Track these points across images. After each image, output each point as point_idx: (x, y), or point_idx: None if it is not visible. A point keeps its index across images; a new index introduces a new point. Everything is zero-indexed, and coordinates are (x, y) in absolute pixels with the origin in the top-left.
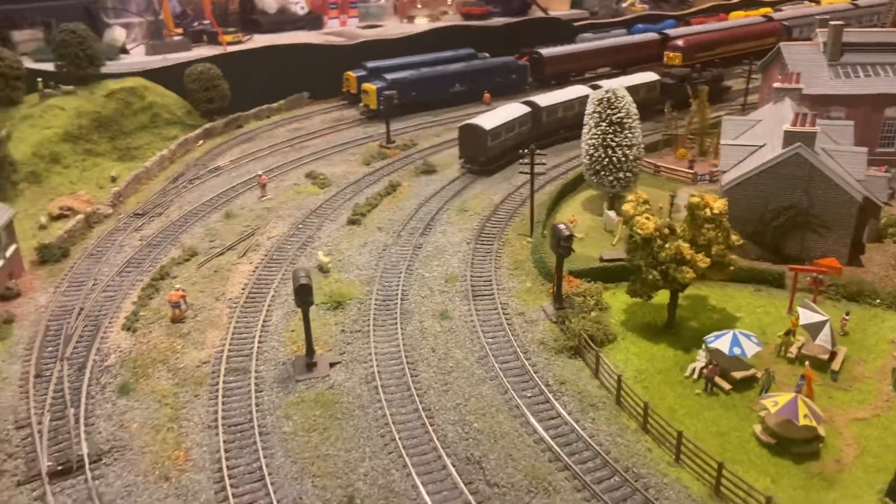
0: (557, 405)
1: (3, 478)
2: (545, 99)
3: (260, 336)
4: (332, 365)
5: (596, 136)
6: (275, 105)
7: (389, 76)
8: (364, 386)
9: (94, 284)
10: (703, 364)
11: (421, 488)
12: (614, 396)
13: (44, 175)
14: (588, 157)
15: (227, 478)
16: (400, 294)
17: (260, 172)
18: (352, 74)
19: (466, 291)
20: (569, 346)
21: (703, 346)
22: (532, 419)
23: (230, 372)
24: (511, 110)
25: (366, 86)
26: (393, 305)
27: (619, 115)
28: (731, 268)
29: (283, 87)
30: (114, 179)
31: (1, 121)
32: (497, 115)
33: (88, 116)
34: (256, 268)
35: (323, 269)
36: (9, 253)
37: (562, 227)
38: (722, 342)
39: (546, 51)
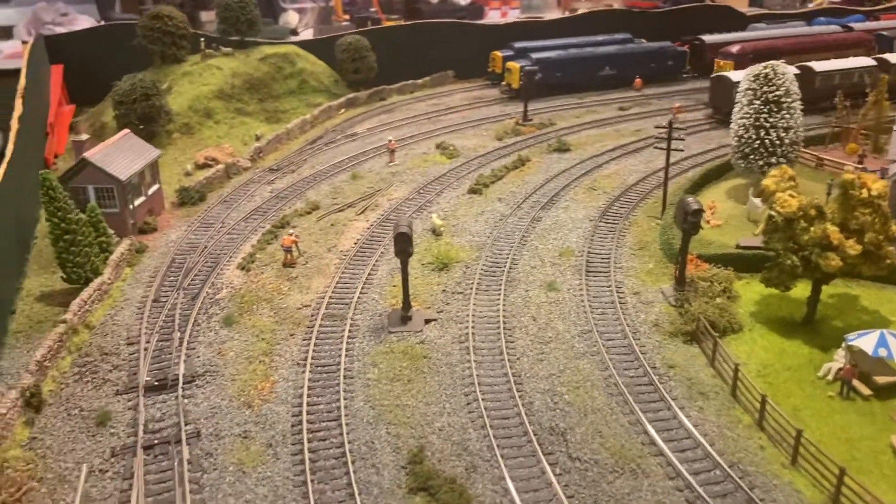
0: (661, 388)
1: (105, 385)
2: (821, 65)
3: (362, 288)
4: (427, 321)
5: (748, 116)
6: (419, 81)
7: (535, 56)
8: (455, 345)
9: (221, 227)
10: (842, 365)
11: (496, 450)
12: (730, 388)
13: (196, 127)
14: (737, 137)
15: (305, 413)
16: (509, 262)
17: (390, 138)
18: (498, 54)
19: (580, 266)
20: (685, 330)
21: (843, 345)
22: (630, 398)
23: (328, 317)
24: None
25: (509, 64)
26: (500, 272)
27: (776, 92)
28: (889, 261)
29: (430, 63)
30: (258, 137)
31: (165, 75)
32: None
33: (242, 77)
34: (371, 225)
35: (436, 232)
36: (151, 191)
37: (690, 199)
38: (865, 341)
39: (709, 38)
